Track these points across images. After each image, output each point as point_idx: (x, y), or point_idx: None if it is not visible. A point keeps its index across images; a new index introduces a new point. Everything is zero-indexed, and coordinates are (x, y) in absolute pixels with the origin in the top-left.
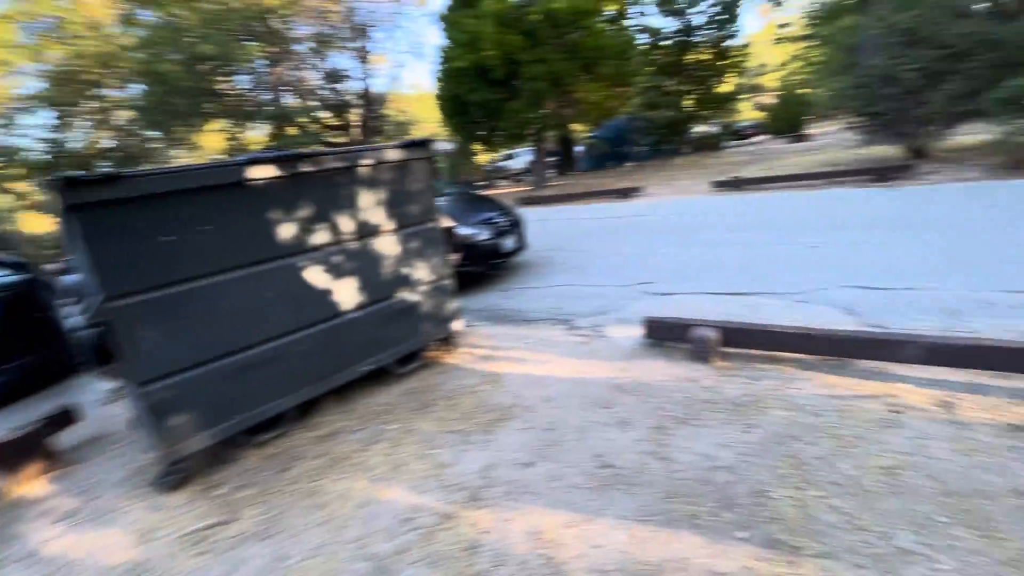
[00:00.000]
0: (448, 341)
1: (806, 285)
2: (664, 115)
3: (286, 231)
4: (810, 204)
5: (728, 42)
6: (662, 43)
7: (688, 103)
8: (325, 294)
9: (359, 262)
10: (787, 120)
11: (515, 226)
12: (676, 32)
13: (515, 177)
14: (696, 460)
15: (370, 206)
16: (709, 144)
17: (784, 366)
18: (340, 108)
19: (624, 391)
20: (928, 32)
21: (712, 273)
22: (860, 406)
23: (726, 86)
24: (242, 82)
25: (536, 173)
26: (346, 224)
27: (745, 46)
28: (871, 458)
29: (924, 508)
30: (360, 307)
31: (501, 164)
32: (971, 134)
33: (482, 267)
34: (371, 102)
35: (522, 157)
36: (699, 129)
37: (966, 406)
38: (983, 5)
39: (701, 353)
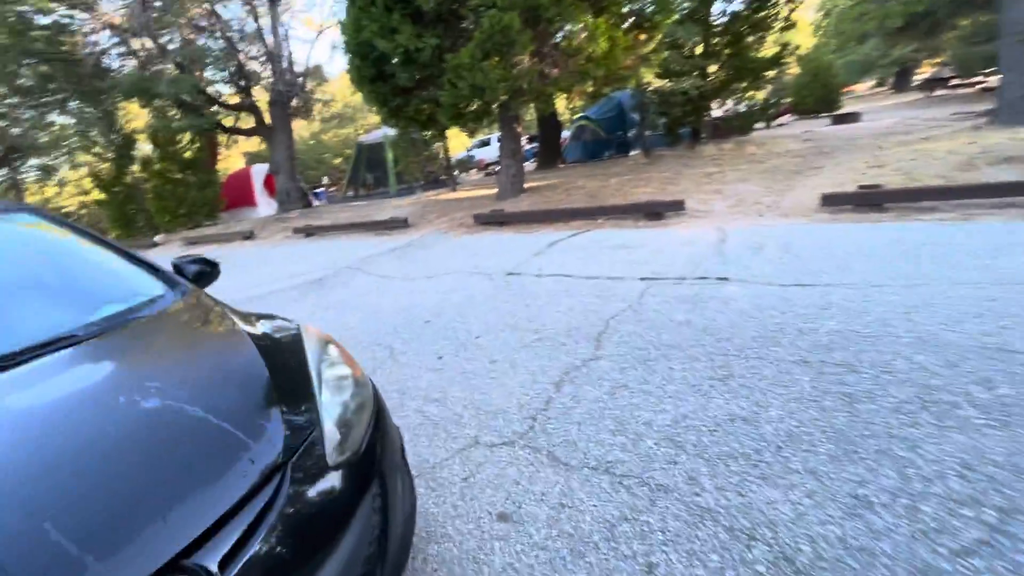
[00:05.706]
0: None
1: None
2: (687, 85)
3: None
4: None
5: None
6: None
7: (715, 70)
8: None
9: None
10: (821, 96)
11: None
12: None
13: (487, 171)
14: None
15: None
16: (735, 128)
17: None
18: (242, 80)
19: None
20: None
21: None
22: None
23: (768, 49)
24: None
25: (504, 172)
26: None
27: None
28: None
29: None
30: None
31: (470, 154)
32: None
33: None
34: (286, 70)
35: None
36: (721, 108)
37: None
38: None
39: None
